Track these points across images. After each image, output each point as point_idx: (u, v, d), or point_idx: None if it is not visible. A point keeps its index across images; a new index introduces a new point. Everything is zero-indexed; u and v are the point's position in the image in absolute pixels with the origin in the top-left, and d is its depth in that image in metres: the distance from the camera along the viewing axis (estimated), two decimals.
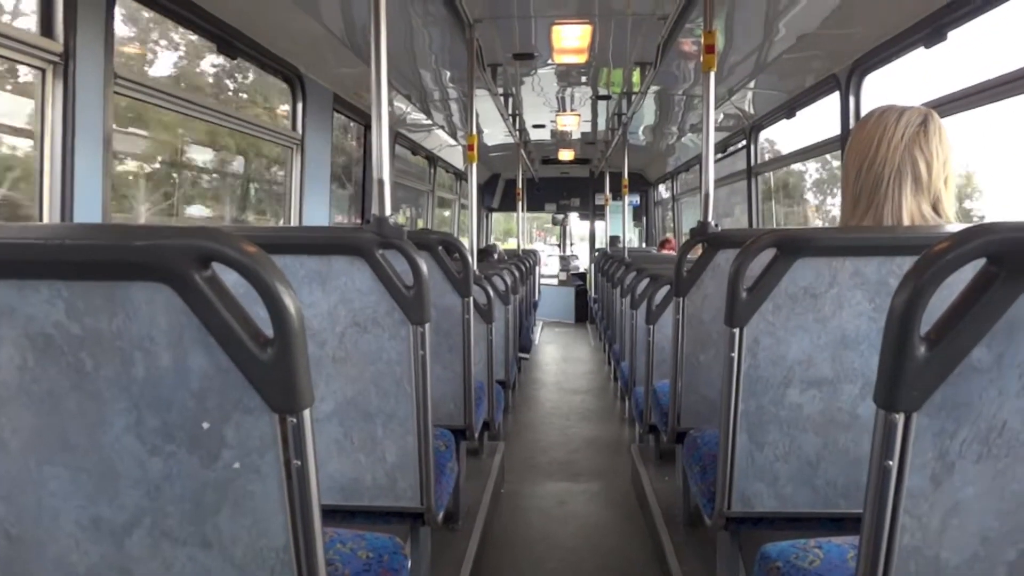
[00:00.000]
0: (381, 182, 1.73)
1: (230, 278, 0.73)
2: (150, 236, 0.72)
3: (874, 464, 0.76)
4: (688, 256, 2.21)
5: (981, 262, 0.70)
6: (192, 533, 0.81)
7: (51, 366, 0.76)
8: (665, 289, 2.98)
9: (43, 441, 0.78)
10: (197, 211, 3.92)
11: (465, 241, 2.98)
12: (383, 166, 1.74)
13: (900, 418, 0.74)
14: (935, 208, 1.47)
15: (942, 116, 1.51)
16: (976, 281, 0.71)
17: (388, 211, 1.70)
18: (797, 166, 5.77)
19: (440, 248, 2.18)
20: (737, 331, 1.45)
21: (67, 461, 0.79)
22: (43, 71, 2.00)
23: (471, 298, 2.27)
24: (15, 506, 0.80)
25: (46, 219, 2.02)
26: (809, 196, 6.58)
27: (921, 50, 2.89)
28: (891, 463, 0.75)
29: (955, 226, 1.28)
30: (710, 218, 2.30)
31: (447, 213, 10.08)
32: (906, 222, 1.46)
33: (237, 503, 0.80)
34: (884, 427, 0.75)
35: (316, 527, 0.80)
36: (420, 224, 7.94)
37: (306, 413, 0.77)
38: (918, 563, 0.78)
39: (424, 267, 1.57)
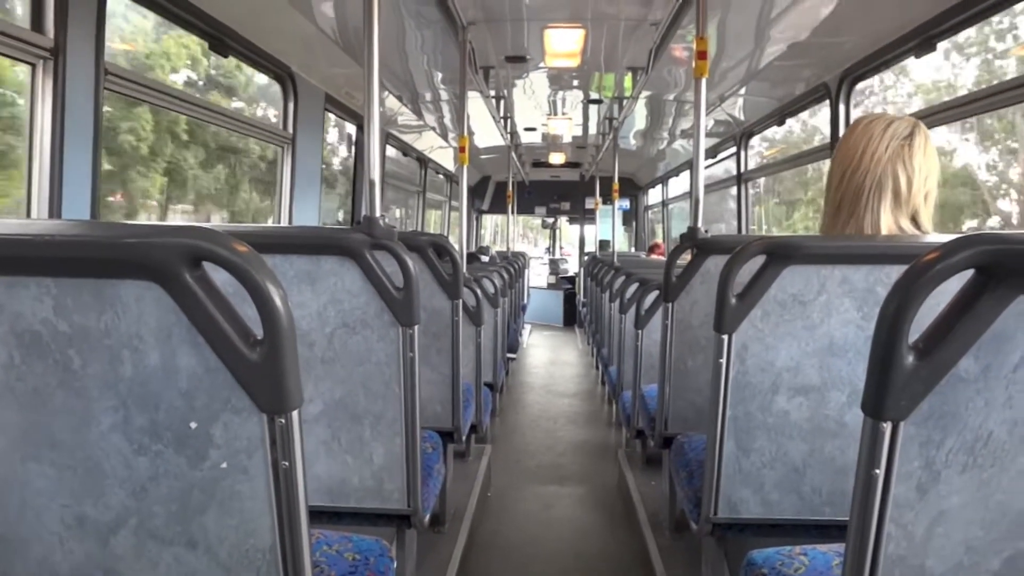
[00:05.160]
0: (373, 182, 1.72)
1: (219, 276, 0.73)
2: (141, 234, 0.72)
3: (861, 472, 0.77)
4: (677, 261, 2.21)
5: (968, 273, 0.71)
6: (178, 533, 0.80)
7: (38, 363, 0.75)
8: (654, 294, 2.98)
9: (28, 439, 0.78)
10: None
11: (454, 241, 2.98)
12: (375, 166, 1.73)
13: (887, 427, 0.74)
14: (914, 220, 1.48)
15: (931, 126, 1.52)
16: (965, 292, 0.71)
17: (379, 211, 1.69)
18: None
19: (430, 250, 2.17)
20: (726, 337, 1.45)
21: (52, 459, 0.78)
22: (33, 66, 1.98)
23: (460, 300, 2.26)
24: None
25: (34, 215, 2.00)
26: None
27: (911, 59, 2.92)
28: (878, 472, 0.75)
29: (941, 236, 1.29)
30: (700, 224, 2.30)
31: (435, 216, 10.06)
32: (884, 234, 1.47)
33: (224, 503, 0.79)
34: (871, 436, 0.75)
35: (303, 528, 0.80)
36: (410, 226, 7.93)
37: (295, 414, 0.76)
38: (903, 571, 0.79)
39: (414, 269, 1.56)
